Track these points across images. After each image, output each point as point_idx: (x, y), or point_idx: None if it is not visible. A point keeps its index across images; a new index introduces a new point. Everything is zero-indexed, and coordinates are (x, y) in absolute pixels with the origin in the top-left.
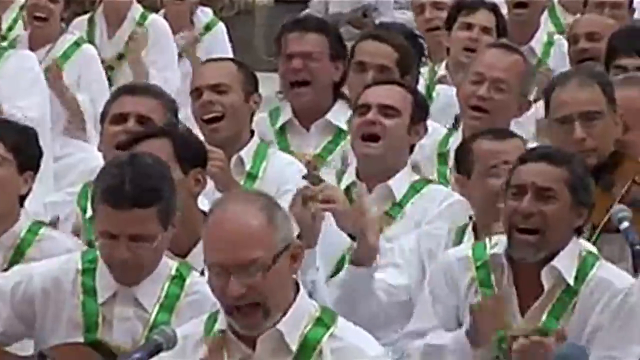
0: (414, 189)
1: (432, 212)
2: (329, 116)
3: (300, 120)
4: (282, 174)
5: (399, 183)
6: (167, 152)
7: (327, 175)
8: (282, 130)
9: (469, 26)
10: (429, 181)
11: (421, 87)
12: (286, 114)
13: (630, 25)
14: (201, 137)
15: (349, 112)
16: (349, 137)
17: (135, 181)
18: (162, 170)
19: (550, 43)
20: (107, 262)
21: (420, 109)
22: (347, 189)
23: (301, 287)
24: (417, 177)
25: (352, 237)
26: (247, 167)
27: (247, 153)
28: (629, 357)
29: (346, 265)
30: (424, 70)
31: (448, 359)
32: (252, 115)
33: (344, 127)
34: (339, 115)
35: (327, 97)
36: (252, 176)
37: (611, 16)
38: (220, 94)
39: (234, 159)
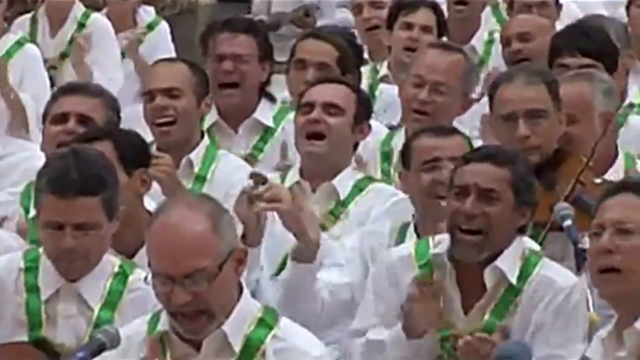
0: (358, 187)
1: (377, 211)
2: (256, 115)
3: (227, 121)
4: (231, 177)
5: (343, 182)
6: (109, 154)
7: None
8: (209, 132)
9: (409, 25)
10: (373, 180)
11: (364, 86)
12: (212, 116)
13: (574, 24)
14: (149, 138)
15: (274, 110)
16: (277, 134)
17: (80, 170)
18: (105, 161)
19: (491, 41)
20: (53, 254)
21: (364, 108)
22: (290, 189)
23: (244, 288)
24: (361, 176)
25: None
26: (196, 170)
27: (196, 155)
28: (573, 355)
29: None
30: (366, 69)
31: (388, 353)
32: (203, 117)
33: (272, 124)
34: (266, 113)
35: (254, 97)
36: (200, 178)
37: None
38: (173, 98)
39: (183, 161)
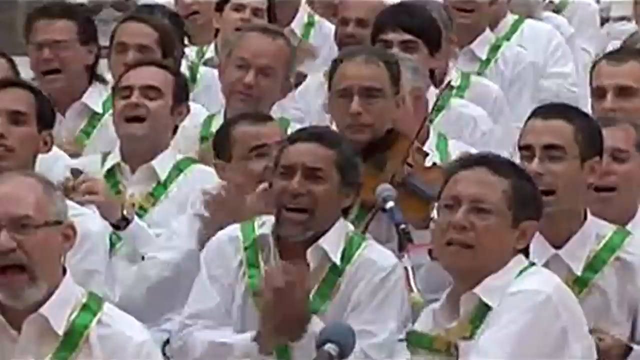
0: (178, 169)
1: (196, 193)
2: (84, 99)
3: (56, 106)
4: (50, 169)
5: (163, 163)
6: (30, 103)
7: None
8: None
9: (240, 7)
10: (194, 161)
11: (184, 69)
12: None
13: (398, 3)
14: None
15: (105, 94)
16: (104, 120)
17: None
18: None
19: (310, 24)
20: None
21: (182, 90)
22: (111, 170)
23: (68, 272)
24: (181, 157)
25: (115, 226)
26: None
27: None
28: (384, 332)
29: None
30: (191, 51)
31: (235, 356)
32: None
33: (100, 109)
34: (94, 97)
35: (81, 81)
36: None
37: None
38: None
39: None
